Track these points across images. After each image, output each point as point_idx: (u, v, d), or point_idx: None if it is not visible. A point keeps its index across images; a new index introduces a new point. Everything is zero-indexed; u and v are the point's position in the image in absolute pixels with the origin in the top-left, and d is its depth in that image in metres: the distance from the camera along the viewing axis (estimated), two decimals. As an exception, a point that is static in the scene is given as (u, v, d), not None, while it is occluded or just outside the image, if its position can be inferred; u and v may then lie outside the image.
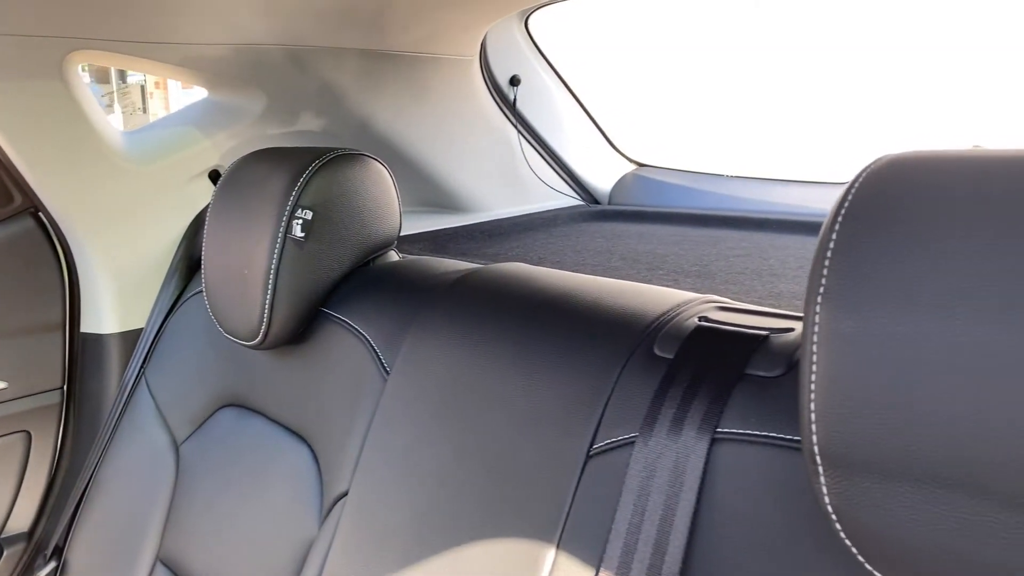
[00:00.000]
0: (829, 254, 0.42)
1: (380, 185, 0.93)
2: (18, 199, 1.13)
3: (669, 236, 1.31)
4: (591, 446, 0.61)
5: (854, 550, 0.43)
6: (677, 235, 1.31)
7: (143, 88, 9.94)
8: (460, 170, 1.45)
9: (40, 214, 1.15)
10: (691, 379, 0.57)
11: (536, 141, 1.53)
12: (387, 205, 0.94)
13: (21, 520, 1.19)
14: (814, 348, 0.42)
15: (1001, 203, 0.38)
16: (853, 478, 0.41)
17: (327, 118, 1.30)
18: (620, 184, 1.61)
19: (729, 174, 1.49)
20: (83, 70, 1.16)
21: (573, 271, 0.85)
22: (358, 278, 0.92)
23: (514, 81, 1.44)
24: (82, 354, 1.21)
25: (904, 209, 0.41)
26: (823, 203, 1.36)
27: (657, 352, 0.62)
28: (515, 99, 1.45)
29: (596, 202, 1.65)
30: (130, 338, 1.19)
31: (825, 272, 0.42)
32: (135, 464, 1.08)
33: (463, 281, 0.81)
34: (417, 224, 1.40)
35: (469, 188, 1.48)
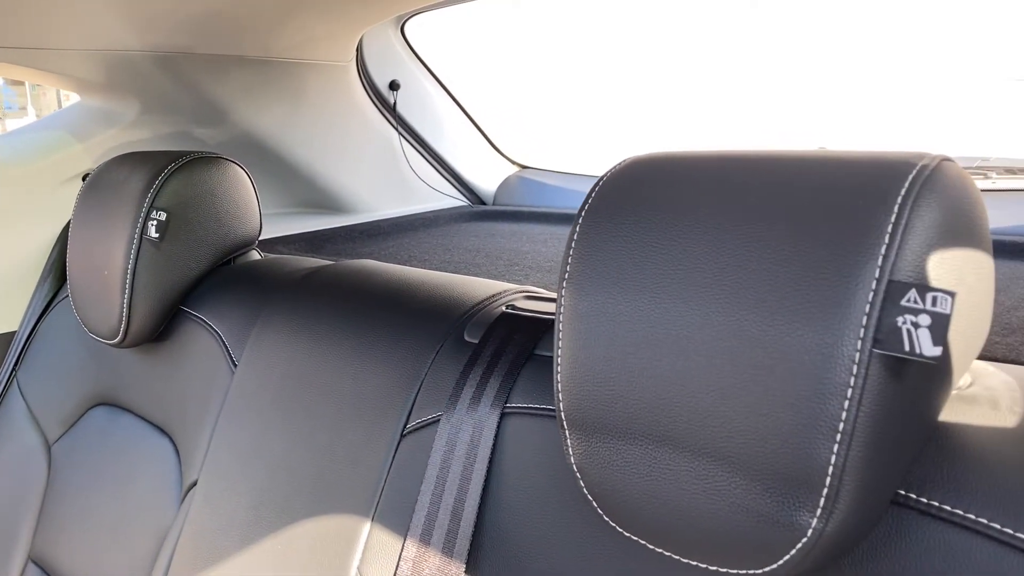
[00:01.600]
0: (573, 244, 0.48)
1: (238, 187, 0.97)
2: None
3: (539, 234, 1.37)
4: (405, 426, 0.66)
5: (595, 504, 0.49)
6: (546, 233, 1.38)
7: (58, 90, 9.64)
8: (341, 173, 1.48)
9: (-95, 218, 1.14)
10: (489, 361, 0.63)
11: (419, 143, 1.57)
12: (246, 206, 0.98)
13: None
14: (560, 327, 0.48)
15: (710, 196, 0.44)
16: (590, 440, 0.47)
17: (202, 122, 1.32)
18: (504, 185, 1.66)
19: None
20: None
21: (437, 268, 0.90)
22: (216, 277, 0.95)
23: (393, 86, 1.48)
24: None
25: (630, 204, 0.47)
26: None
27: (466, 338, 0.67)
28: (395, 103, 1.49)
29: (483, 203, 1.71)
30: (1, 341, 1.19)
31: (570, 260, 0.48)
32: (5, 465, 1.08)
33: (309, 277, 0.86)
34: (299, 225, 1.43)
35: (351, 190, 1.51)
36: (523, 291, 0.75)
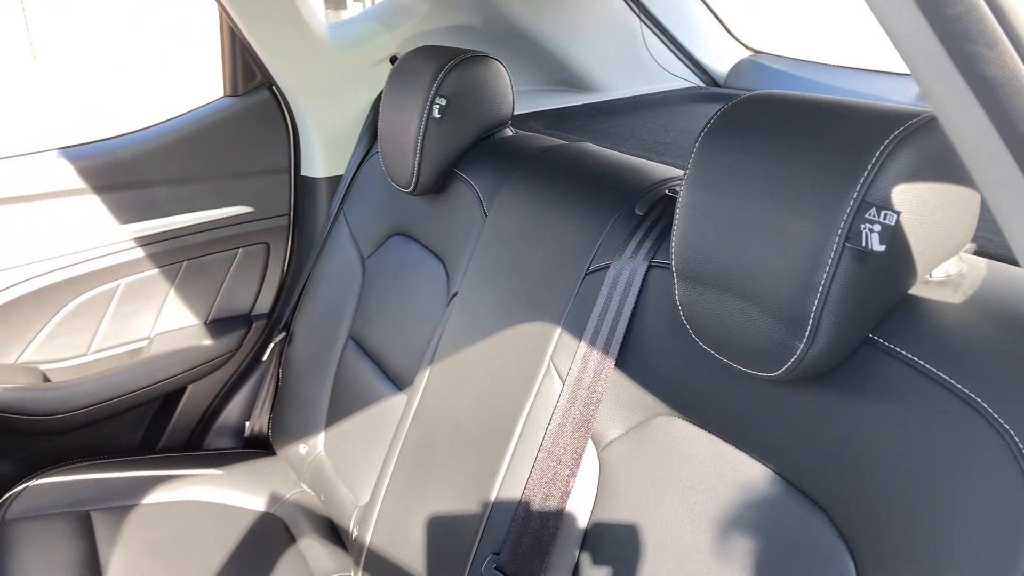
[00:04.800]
0: (692, 156, 0.73)
1: (498, 79, 1.27)
2: (258, 76, 1.57)
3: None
4: (588, 267, 0.96)
5: (687, 324, 0.76)
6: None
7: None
8: (586, 54, 1.73)
9: (273, 87, 1.59)
10: (648, 229, 0.90)
11: (656, 26, 1.76)
12: (503, 95, 1.28)
13: (264, 304, 1.71)
14: (678, 210, 0.73)
15: (778, 134, 0.66)
16: (688, 285, 0.74)
17: (476, 14, 1.63)
18: (737, 68, 1.81)
19: (835, 64, 1.66)
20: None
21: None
22: (479, 147, 1.28)
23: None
24: (302, 190, 1.67)
25: (730, 133, 0.70)
26: (904, 95, 1.53)
27: (636, 211, 0.94)
28: (637, -13, 1.69)
29: (717, 84, 1.87)
30: (334, 181, 1.63)
31: (688, 166, 0.73)
32: (336, 270, 1.53)
33: (544, 153, 1.16)
34: (549, 102, 1.72)
35: (593, 70, 1.77)
36: (688, 178, 1.00)
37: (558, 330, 0.96)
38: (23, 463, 1.54)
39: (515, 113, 1.33)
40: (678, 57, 1.81)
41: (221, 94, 1.60)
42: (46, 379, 1.49)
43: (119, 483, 1.38)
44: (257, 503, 1.40)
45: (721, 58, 1.84)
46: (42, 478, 1.37)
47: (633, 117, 1.62)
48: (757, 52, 1.83)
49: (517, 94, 1.33)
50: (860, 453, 0.66)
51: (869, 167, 0.60)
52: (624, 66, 1.80)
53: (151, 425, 1.69)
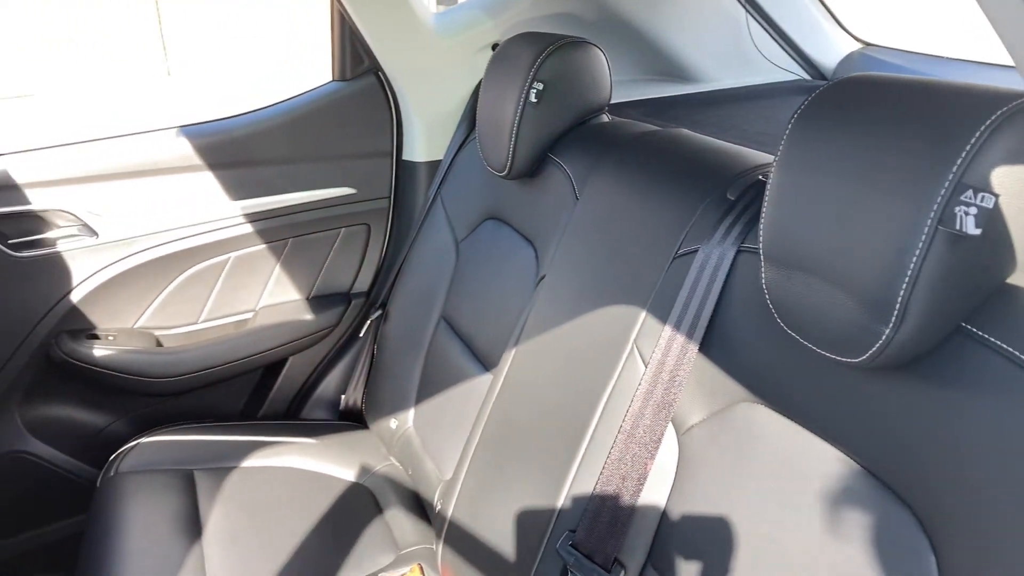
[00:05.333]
0: (784, 138, 0.72)
1: (596, 65, 1.27)
2: (366, 62, 1.62)
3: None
4: (677, 251, 0.95)
5: (772, 308, 0.75)
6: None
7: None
8: (689, 44, 1.71)
9: (379, 73, 1.64)
10: (739, 214, 0.89)
11: (762, 17, 1.73)
12: (600, 81, 1.29)
13: (363, 283, 1.78)
14: (768, 193, 0.73)
15: (872, 119, 0.64)
16: (775, 268, 0.73)
17: (579, 2, 1.63)
18: (846, 61, 1.75)
19: (952, 57, 1.58)
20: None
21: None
22: (574, 133, 1.28)
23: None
24: (403, 174, 1.72)
25: (824, 115, 0.69)
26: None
27: (728, 195, 0.93)
28: (742, -24, 1.65)
29: (824, 78, 1.82)
30: (433, 166, 1.67)
31: (780, 149, 0.72)
32: (431, 252, 1.57)
33: (636, 140, 1.15)
34: (645, 92, 1.71)
35: (695, 60, 1.74)
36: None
37: (643, 313, 0.96)
38: (137, 421, 1.64)
39: (614, 102, 1.33)
40: (784, 49, 1.77)
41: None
42: (159, 344, 1.59)
43: (221, 446, 1.46)
44: (348, 473, 1.45)
45: (830, 51, 1.79)
46: (152, 436, 1.46)
47: (735, 108, 1.60)
48: (868, 44, 1.77)
49: (617, 84, 1.33)
50: (948, 446, 0.64)
51: (968, 147, 0.57)
52: (728, 57, 1.77)
53: (253, 393, 1.77)
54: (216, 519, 1.29)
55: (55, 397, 1.57)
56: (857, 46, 1.78)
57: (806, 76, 1.85)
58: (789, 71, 1.83)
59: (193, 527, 1.26)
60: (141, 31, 8.93)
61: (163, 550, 1.20)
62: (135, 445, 1.43)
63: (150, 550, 1.20)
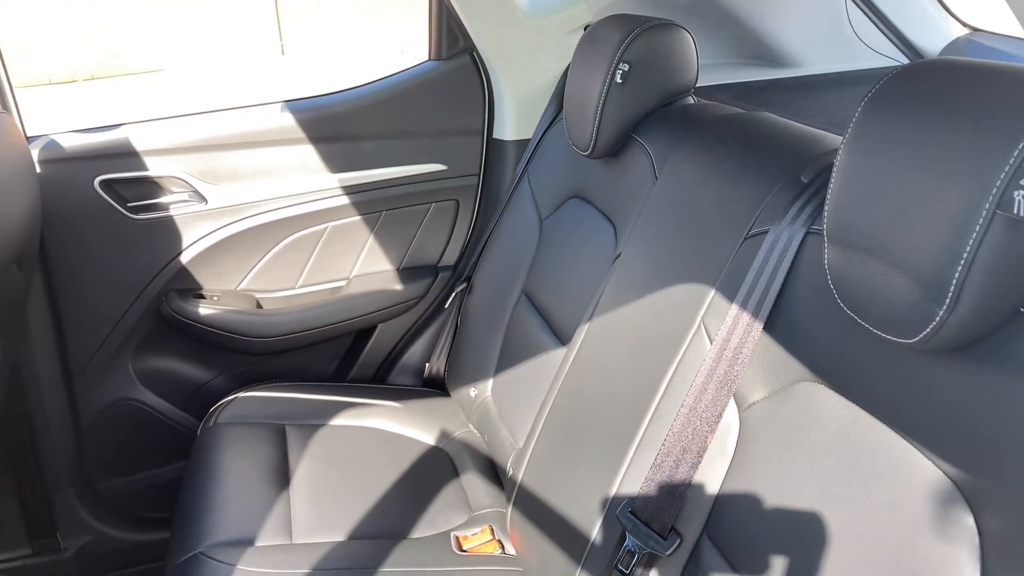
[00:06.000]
0: (852, 122, 0.73)
1: (683, 48, 1.29)
2: (461, 42, 1.68)
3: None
4: (748, 231, 0.96)
5: (833, 288, 0.76)
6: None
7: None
8: (783, 27, 1.68)
9: (473, 53, 1.69)
10: (810, 196, 0.90)
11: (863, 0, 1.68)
12: (687, 63, 1.30)
13: (450, 257, 1.84)
14: (834, 176, 0.74)
15: (936, 105, 0.65)
16: (837, 249, 0.74)
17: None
18: (951, 47, 1.69)
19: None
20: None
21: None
22: (658, 113, 1.30)
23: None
24: (492, 152, 1.77)
25: (891, 100, 0.70)
26: None
27: (802, 178, 0.94)
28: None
29: None
30: (521, 144, 1.71)
31: (847, 132, 0.73)
32: (516, 229, 1.61)
33: (717, 122, 1.16)
34: (735, 75, 1.70)
35: (788, 44, 1.72)
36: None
37: (712, 291, 0.98)
38: (236, 377, 1.76)
39: (702, 85, 1.34)
40: (884, 33, 1.72)
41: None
42: (259, 306, 1.70)
43: (312, 404, 1.56)
44: (428, 437, 1.52)
45: (934, 36, 1.73)
46: (249, 391, 1.57)
47: (826, 93, 1.57)
48: (975, 30, 1.70)
49: (706, 67, 1.34)
50: (1003, 430, 0.64)
51: None
52: (823, 41, 1.74)
53: (344, 357, 1.87)
54: (303, 471, 1.37)
55: (163, 351, 1.70)
56: (964, 31, 1.71)
57: (907, 62, 1.79)
58: (889, 56, 1.78)
59: (282, 477, 1.35)
60: (257, 11, 9.34)
61: (254, 496, 1.30)
62: (233, 399, 1.54)
63: (243, 495, 1.30)
